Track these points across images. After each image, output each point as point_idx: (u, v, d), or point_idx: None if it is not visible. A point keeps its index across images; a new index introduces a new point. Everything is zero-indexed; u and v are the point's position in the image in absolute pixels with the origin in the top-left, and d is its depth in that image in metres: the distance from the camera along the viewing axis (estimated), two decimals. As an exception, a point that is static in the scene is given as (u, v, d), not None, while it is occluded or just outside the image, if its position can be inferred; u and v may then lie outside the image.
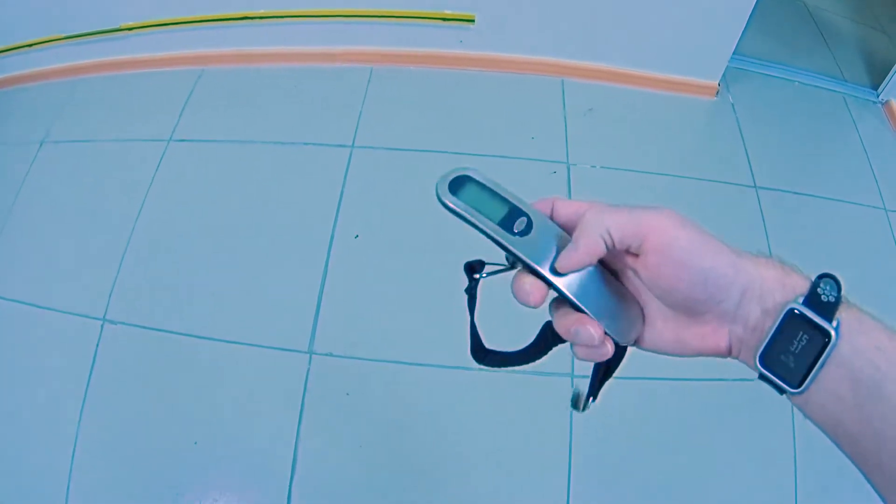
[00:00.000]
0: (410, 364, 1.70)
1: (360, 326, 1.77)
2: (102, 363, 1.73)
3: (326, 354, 1.71)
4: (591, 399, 0.47)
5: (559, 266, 0.40)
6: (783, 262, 0.40)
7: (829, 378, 0.36)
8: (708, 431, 1.65)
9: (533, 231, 0.40)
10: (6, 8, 2.29)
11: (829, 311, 0.36)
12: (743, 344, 0.40)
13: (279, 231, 1.95)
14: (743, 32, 2.15)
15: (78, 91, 2.45)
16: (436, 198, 0.41)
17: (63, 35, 2.36)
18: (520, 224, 0.40)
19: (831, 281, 0.38)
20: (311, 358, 1.70)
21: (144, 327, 1.78)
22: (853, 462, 0.37)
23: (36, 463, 1.62)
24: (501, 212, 0.41)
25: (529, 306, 0.41)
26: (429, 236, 1.90)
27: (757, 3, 2.05)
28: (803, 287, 0.38)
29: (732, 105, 2.34)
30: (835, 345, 0.36)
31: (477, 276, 0.45)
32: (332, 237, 1.90)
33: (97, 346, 1.76)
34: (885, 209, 2.10)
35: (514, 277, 0.42)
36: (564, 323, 0.41)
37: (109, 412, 1.68)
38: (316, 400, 1.65)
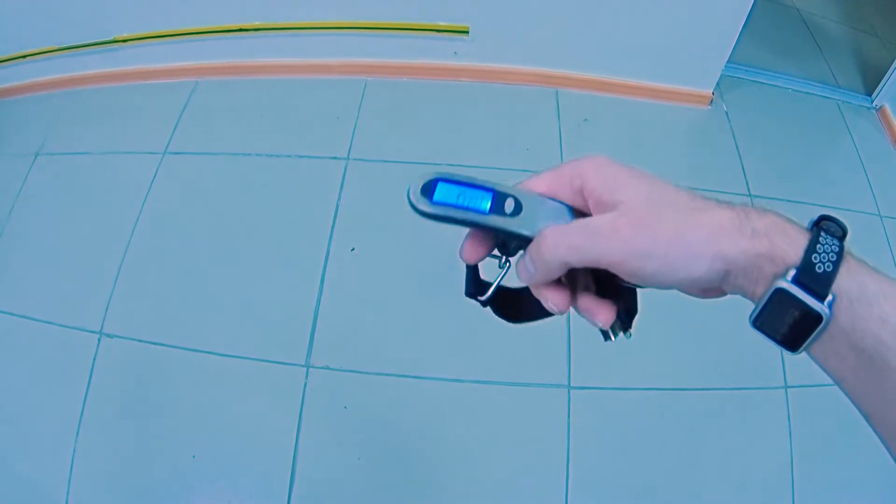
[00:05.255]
0: (408, 377, 1.70)
1: (357, 340, 1.77)
2: (99, 377, 1.73)
3: (323, 368, 1.71)
4: (626, 333, 0.44)
5: (518, 275, 0.40)
6: (773, 228, 0.36)
7: (829, 342, 0.34)
8: (705, 441, 1.66)
9: (524, 208, 0.39)
10: (0, 19, 2.28)
11: (824, 283, 0.33)
12: (741, 293, 0.38)
13: (275, 244, 1.95)
14: (737, 41, 2.15)
15: (73, 103, 2.44)
16: (411, 209, 0.39)
17: (58, 46, 2.35)
18: (509, 205, 0.39)
19: (833, 226, 0.36)
20: (308, 371, 1.71)
21: (141, 341, 1.78)
22: (858, 409, 0.35)
23: (33, 477, 1.62)
24: (485, 201, 0.39)
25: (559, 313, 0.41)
26: (425, 249, 1.91)
27: (751, 11, 2.06)
28: (795, 257, 0.34)
29: (726, 113, 2.35)
30: (827, 323, 0.33)
31: (482, 297, 0.44)
32: (328, 250, 1.90)
33: (94, 359, 1.76)
34: (879, 215, 2.11)
35: (538, 293, 0.42)
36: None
37: (107, 426, 1.68)
38: (313, 413, 1.66)
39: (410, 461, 1.63)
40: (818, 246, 0.34)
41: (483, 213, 0.38)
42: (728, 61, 2.24)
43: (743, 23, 2.09)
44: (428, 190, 0.39)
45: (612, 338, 0.43)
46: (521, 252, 0.41)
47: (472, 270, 0.45)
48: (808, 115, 2.43)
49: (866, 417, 0.35)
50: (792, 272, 0.34)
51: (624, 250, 0.37)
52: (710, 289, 0.39)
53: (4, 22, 2.29)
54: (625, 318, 0.43)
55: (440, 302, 1.83)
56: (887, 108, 2.44)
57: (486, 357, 1.73)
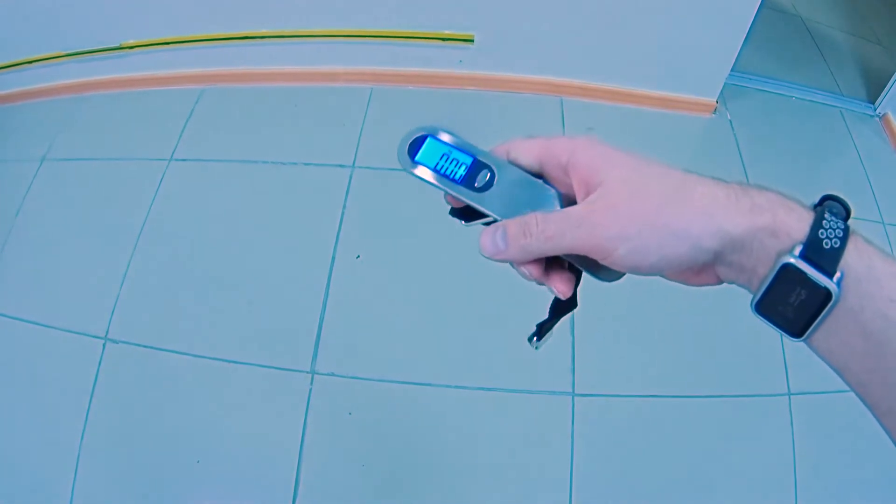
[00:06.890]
0: (413, 384, 1.70)
1: (362, 346, 1.78)
2: (104, 382, 1.74)
3: (328, 374, 1.71)
4: (536, 339, 0.45)
5: (482, 246, 0.39)
6: (775, 202, 0.34)
7: (835, 326, 0.33)
8: (709, 448, 1.66)
9: (496, 182, 0.41)
10: (7, 24, 2.29)
11: (831, 259, 0.32)
12: (737, 278, 0.37)
13: (280, 251, 1.96)
14: (740, 49, 2.16)
15: (79, 109, 2.45)
16: (399, 161, 0.42)
17: (65, 52, 2.36)
18: (481, 178, 0.41)
19: (836, 206, 0.34)
20: (313, 378, 1.71)
21: (146, 346, 1.79)
22: (862, 401, 0.34)
23: (38, 482, 1.63)
24: (462, 168, 0.42)
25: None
26: (430, 256, 1.91)
27: (754, 19, 2.06)
28: (801, 232, 0.33)
29: (730, 122, 2.36)
30: (837, 301, 0.32)
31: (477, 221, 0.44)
32: (333, 257, 1.91)
33: (99, 364, 1.76)
34: (882, 223, 2.11)
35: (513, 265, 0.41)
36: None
37: (111, 431, 1.68)
38: (318, 420, 1.66)
39: (415, 468, 1.63)
40: (824, 222, 0.33)
41: (454, 182, 0.41)
42: (732, 70, 2.25)
43: (747, 31, 2.10)
44: (416, 146, 0.42)
45: (537, 341, 0.44)
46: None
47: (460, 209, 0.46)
48: (811, 123, 2.44)
49: (871, 409, 0.34)
50: (798, 248, 0.33)
51: (594, 235, 0.36)
52: (701, 272, 0.38)
53: (10, 27, 2.30)
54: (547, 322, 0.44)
55: (444, 309, 1.84)
56: (890, 115, 2.44)
57: (491, 364, 1.73)
